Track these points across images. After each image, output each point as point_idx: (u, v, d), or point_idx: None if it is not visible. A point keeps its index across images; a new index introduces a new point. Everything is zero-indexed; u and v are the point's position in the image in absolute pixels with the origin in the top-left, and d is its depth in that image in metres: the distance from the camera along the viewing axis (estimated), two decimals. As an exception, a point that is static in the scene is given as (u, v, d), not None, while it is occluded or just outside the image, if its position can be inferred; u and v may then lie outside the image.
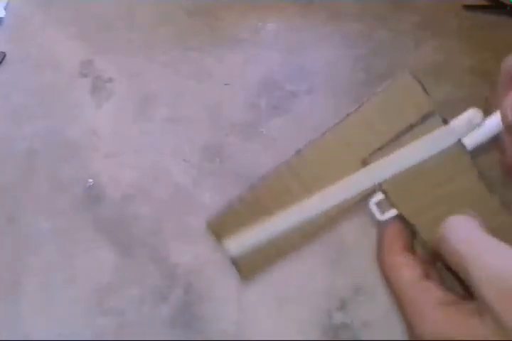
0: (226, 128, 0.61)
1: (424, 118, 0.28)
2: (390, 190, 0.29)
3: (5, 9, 0.70)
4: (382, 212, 0.29)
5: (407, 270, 0.28)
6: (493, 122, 0.29)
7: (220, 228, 0.32)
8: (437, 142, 0.28)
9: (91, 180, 0.59)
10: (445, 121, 0.28)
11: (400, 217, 0.29)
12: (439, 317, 0.25)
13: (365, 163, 0.29)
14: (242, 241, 0.31)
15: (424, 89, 0.28)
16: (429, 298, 0.26)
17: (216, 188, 0.58)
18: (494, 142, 0.30)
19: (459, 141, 0.28)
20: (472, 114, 0.28)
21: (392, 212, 0.29)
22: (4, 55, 0.67)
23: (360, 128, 0.29)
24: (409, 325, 0.26)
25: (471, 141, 0.28)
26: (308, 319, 0.51)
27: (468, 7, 0.66)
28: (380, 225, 0.30)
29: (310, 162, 0.30)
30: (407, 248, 0.29)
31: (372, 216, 0.30)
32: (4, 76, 0.66)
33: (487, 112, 0.29)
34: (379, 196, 0.29)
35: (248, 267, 0.31)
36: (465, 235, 0.26)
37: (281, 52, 0.66)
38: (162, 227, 0.56)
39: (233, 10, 0.69)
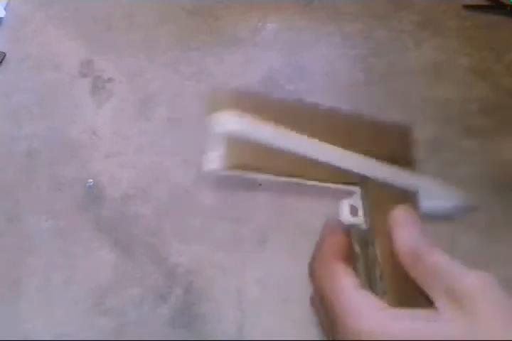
0: (226, 128, 0.61)
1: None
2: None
3: (5, 9, 0.70)
4: (352, 215, 0.30)
5: (346, 278, 0.28)
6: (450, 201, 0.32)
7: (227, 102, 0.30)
8: (398, 178, 0.31)
9: (91, 180, 0.59)
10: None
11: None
12: (383, 319, 0.26)
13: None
14: (248, 128, 0.30)
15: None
16: (370, 303, 0.27)
17: (216, 188, 0.57)
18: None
19: (416, 192, 0.31)
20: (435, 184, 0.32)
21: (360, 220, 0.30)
22: (4, 55, 0.67)
23: (359, 131, 0.33)
24: (342, 327, 0.27)
25: (428, 202, 0.31)
26: (308, 319, 0.51)
27: (468, 7, 0.66)
28: (325, 230, 0.31)
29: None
30: (348, 259, 0.30)
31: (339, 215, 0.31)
32: (4, 76, 0.66)
33: None
34: (355, 200, 0.30)
35: (234, 155, 0.29)
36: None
37: (281, 52, 0.66)
38: (162, 227, 0.56)
39: (233, 10, 0.69)
